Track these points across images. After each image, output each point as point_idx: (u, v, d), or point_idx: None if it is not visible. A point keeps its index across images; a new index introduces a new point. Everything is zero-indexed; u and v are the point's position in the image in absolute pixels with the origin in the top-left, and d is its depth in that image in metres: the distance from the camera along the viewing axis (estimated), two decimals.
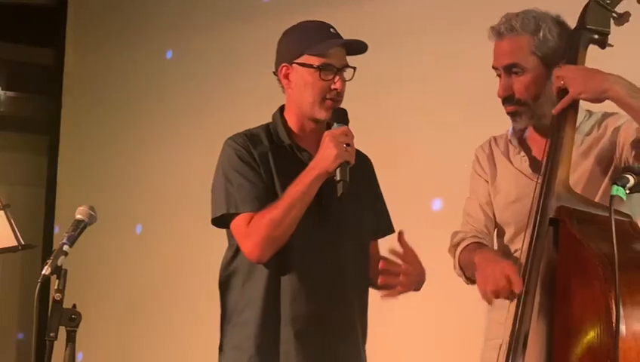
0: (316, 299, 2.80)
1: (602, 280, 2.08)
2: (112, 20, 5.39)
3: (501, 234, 2.83)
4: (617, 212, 2.33)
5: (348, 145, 2.74)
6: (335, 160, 2.72)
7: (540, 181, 2.54)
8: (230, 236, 2.87)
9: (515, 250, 2.71)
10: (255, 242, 2.76)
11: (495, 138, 2.91)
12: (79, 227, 2.62)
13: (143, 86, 5.19)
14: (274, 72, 2.94)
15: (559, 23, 2.71)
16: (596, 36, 2.62)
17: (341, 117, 2.82)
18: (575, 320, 2.24)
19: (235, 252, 2.86)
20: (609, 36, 2.62)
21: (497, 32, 2.73)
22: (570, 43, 2.63)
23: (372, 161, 3.21)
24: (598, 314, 2.07)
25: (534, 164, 2.75)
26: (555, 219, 2.43)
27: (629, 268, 2.06)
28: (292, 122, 2.93)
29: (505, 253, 2.75)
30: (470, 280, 2.78)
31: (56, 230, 5.44)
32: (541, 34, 2.67)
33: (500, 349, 2.46)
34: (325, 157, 2.74)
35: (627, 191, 2.09)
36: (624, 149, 2.62)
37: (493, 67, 2.75)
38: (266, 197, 2.79)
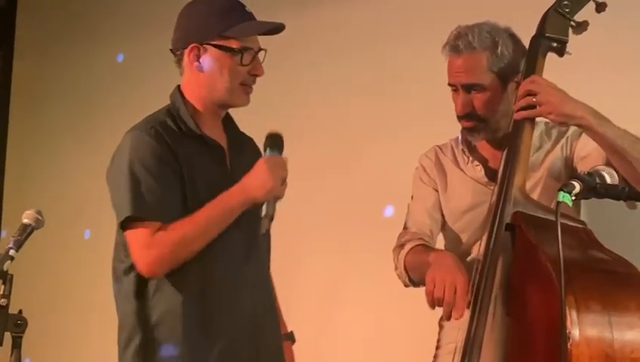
0: (244, 331, 2.60)
1: (557, 285, 2.07)
2: (63, 24, 5.32)
3: (455, 241, 2.84)
4: (572, 218, 2.41)
5: (284, 180, 2.51)
6: (268, 193, 2.48)
7: (497, 188, 2.56)
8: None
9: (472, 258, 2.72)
10: (156, 257, 2.49)
11: (439, 147, 2.94)
12: (26, 231, 2.57)
13: (94, 90, 5.12)
14: (171, 50, 2.69)
15: (512, 36, 2.75)
16: (555, 44, 2.65)
17: (277, 144, 2.56)
18: (530, 325, 2.26)
19: None
20: (567, 44, 2.64)
21: (455, 48, 2.73)
22: (529, 50, 2.67)
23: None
24: (553, 318, 2.08)
25: (490, 172, 2.78)
26: (511, 224, 2.44)
27: (584, 274, 2.10)
28: (197, 107, 2.66)
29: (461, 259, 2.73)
30: (412, 283, 2.79)
31: (3, 234, 5.34)
32: (499, 50, 2.70)
33: (454, 353, 2.47)
34: (259, 186, 2.49)
35: (573, 198, 2.11)
36: (580, 164, 2.67)
37: (450, 84, 2.76)
38: (177, 205, 2.52)
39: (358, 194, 4.00)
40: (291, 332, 3.01)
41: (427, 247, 2.77)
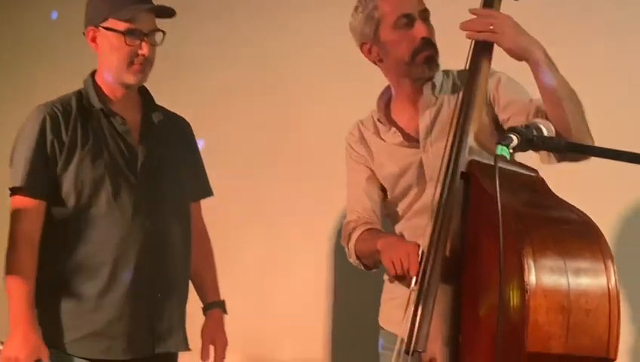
0: (142, 266, 2.98)
1: (514, 235, 2.12)
2: None
3: (393, 209, 2.91)
4: (525, 167, 2.45)
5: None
6: None
7: (451, 135, 2.57)
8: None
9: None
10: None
11: (361, 121, 2.99)
12: None
13: (27, 49, 5.06)
14: (83, 33, 3.04)
15: None
16: None
17: None
18: (484, 276, 2.29)
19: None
20: None
21: None
22: None
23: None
24: (509, 270, 2.11)
25: (407, 136, 2.84)
26: (466, 173, 2.47)
27: (540, 224, 2.12)
28: (104, 86, 3.05)
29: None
30: (367, 268, 2.90)
31: None
32: None
33: (406, 305, 2.50)
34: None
35: (511, 151, 2.14)
36: (502, 112, 2.71)
37: (404, 15, 2.76)
38: (43, 180, 2.95)
39: (296, 168, 4.08)
40: (222, 301, 3.30)
41: (372, 231, 2.86)
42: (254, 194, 4.12)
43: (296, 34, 4.11)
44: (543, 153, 2.55)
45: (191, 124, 3.27)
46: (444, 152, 2.57)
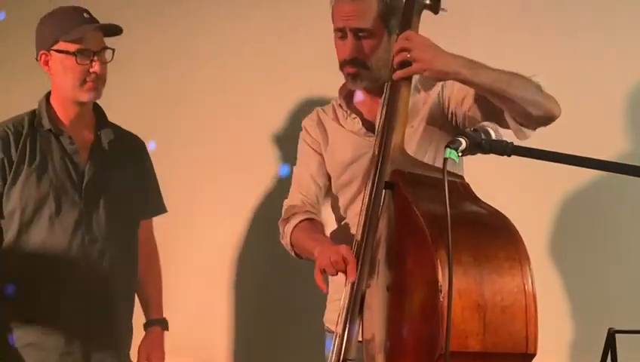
0: (78, 281, 3.12)
1: (429, 240, 2.20)
2: None
3: (336, 203, 2.98)
4: (450, 173, 2.40)
5: None
6: None
7: (376, 146, 2.64)
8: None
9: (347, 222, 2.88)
10: None
11: (322, 108, 3.05)
12: None
13: None
14: (36, 59, 3.17)
15: None
16: (428, 1, 2.70)
17: None
18: (408, 281, 2.36)
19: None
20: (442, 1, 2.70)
21: None
22: (404, 9, 2.72)
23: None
24: (426, 273, 2.19)
25: (367, 124, 2.90)
26: (390, 182, 2.54)
27: (455, 228, 2.17)
28: (57, 107, 3.19)
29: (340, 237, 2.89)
30: (299, 256, 2.94)
31: None
32: None
33: (340, 312, 2.58)
34: None
35: (459, 154, 2.20)
36: (453, 107, 2.80)
37: (338, 29, 2.83)
38: None
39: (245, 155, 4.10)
40: (164, 319, 3.46)
41: (313, 224, 2.92)
42: (207, 194, 4.16)
43: (248, 30, 4.14)
44: (515, 128, 2.62)
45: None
46: (371, 160, 2.66)
